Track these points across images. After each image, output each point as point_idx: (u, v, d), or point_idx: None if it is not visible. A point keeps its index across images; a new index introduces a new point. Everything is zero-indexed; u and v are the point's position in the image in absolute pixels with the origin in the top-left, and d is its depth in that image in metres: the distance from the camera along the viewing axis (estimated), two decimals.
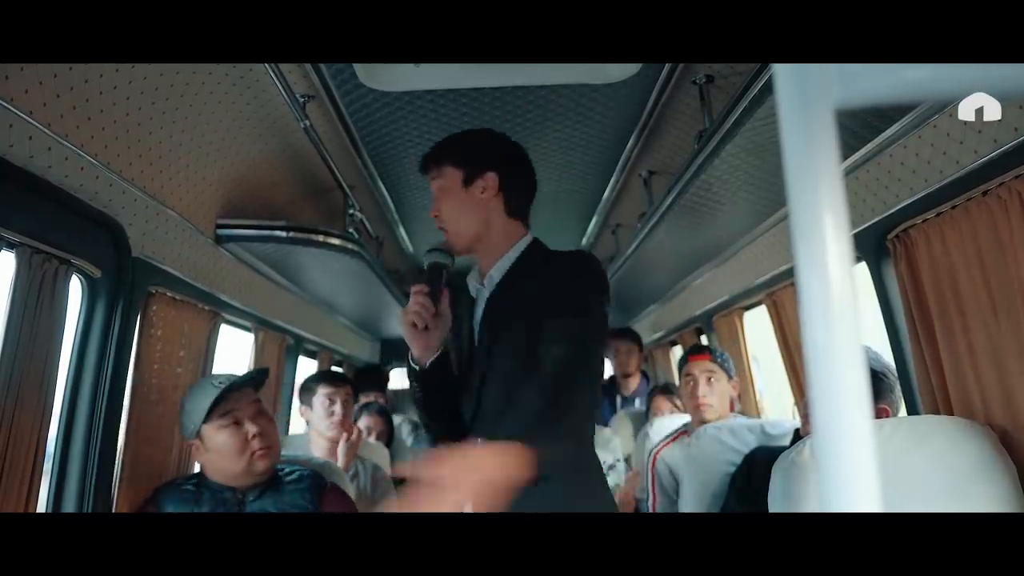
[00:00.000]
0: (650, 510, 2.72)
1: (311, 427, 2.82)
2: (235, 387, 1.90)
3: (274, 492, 1.89)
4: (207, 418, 1.85)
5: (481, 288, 1.61)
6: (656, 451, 2.77)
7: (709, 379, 2.72)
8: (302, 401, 2.89)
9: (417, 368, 1.58)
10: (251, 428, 1.86)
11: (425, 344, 1.55)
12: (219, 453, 1.85)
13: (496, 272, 1.59)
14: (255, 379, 2.00)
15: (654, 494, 2.71)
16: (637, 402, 4.42)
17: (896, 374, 2.03)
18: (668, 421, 3.26)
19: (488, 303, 1.58)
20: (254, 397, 1.96)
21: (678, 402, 3.57)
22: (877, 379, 2.04)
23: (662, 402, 3.69)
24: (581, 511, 1.43)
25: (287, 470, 1.99)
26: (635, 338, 4.64)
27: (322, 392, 2.81)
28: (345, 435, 2.72)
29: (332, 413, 2.77)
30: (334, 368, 4.95)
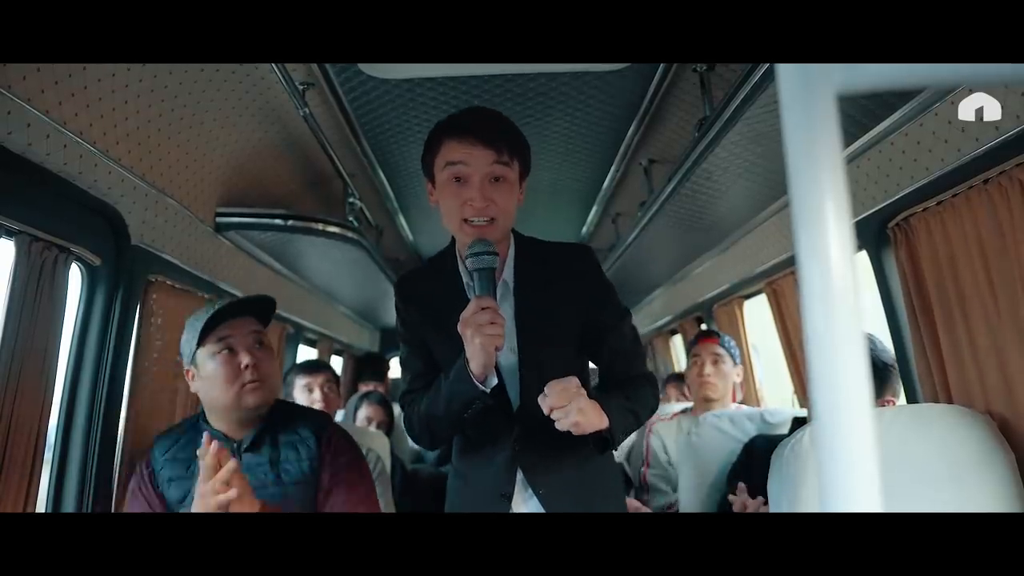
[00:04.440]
0: (642, 478, 2.85)
1: None
2: (231, 313, 1.78)
3: (270, 441, 1.76)
4: (202, 342, 1.73)
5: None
6: (651, 423, 2.90)
7: (715, 360, 2.83)
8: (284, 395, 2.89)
9: (482, 388, 1.43)
10: (245, 358, 1.73)
11: (491, 361, 1.41)
12: (210, 381, 1.73)
13: (507, 275, 1.55)
14: (255, 307, 1.87)
15: (647, 462, 2.87)
16: None
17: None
18: (670, 407, 3.30)
19: (518, 304, 1.53)
20: (254, 327, 1.82)
21: (687, 390, 3.63)
22: (886, 371, 2.04)
23: (671, 389, 3.75)
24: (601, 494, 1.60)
25: (292, 415, 1.85)
26: None
27: (300, 383, 2.84)
28: None
29: (313, 402, 2.78)
30: (334, 357, 4.97)
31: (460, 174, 1.43)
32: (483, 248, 1.39)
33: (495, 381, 1.45)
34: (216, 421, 1.77)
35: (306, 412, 1.91)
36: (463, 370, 1.40)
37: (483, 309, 1.35)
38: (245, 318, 1.81)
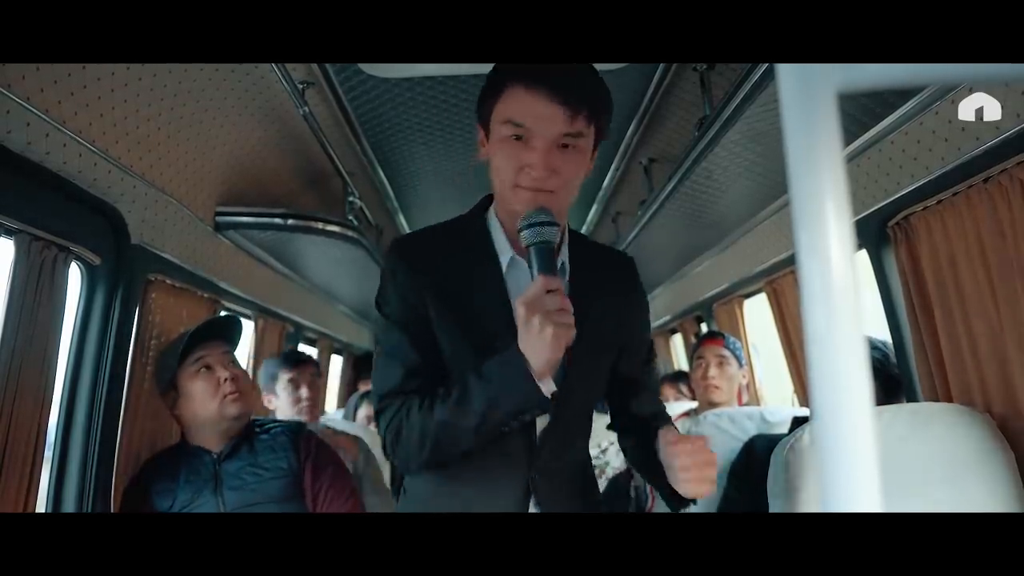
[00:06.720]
0: (650, 489, 2.78)
1: (278, 415, 2.67)
2: (204, 336, 1.99)
3: (248, 448, 1.97)
4: (180, 364, 1.94)
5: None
6: None
7: (720, 363, 2.78)
8: (265, 389, 2.71)
9: (545, 394, 1.10)
10: (223, 373, 1.95)
11: (558, 360, 1.10)
12: (193, 399, 1.94)
13: (564, 257, 1.28)
14: (223, 328, 2.09)
15: None
16: None
17: None
18: (670, 408, 3.28)
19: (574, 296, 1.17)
20: (225, 349, 2.04)
21: (684, 389, 3.62)
22: (896, 383, 2.04)
23: (668, 390, 3.73)
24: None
25: (265, 426, 2.07)
26: None
27: (284, 376, 2.67)
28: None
29: (299, 399, 2.63)
30: (334, 356, 4.95)
31: (522, 133, 1.15)
32: (544, 218, 1.11)
33: (553, 387, 1.12)
34: (197, 438, 1.97)
35: (279, 421, 2.15)
36: (522, 366, 1.07)
37: (549, 292, 1.06)
38: (216, 341, 2.03)
